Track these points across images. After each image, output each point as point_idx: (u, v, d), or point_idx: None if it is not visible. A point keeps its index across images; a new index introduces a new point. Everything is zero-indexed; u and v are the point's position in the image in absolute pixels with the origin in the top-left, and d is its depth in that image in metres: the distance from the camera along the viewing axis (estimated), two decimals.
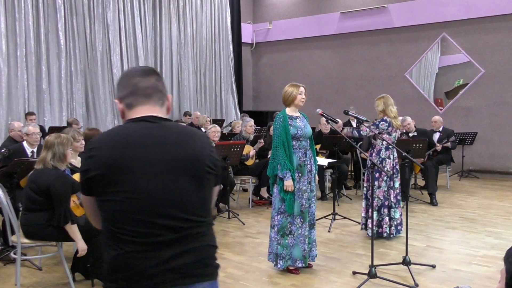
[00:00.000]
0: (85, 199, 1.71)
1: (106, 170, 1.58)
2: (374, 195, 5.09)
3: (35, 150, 5.44)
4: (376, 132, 5.14)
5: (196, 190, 1.65)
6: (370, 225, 5.30)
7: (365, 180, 5.47)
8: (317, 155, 4.55)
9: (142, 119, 1.68)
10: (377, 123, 5.27)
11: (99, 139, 1.68)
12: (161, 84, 1.76)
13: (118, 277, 1.59)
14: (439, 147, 7.70)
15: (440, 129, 8.07)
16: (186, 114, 10.41)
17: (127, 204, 1.57)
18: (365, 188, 5.40)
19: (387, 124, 5.23)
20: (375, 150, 5.35)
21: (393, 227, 5.28)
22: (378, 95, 5.46)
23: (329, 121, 4.59)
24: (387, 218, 5.26)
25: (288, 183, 4.15)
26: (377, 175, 5.23)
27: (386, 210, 5.26)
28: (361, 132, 5.33)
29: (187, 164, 1.64)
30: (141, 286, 1.58)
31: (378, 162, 5.20)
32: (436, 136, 8.00)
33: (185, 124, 1.47)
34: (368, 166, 4.38)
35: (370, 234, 5.29)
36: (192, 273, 1.61)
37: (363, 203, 5.40)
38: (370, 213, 5.27)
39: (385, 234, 5.26)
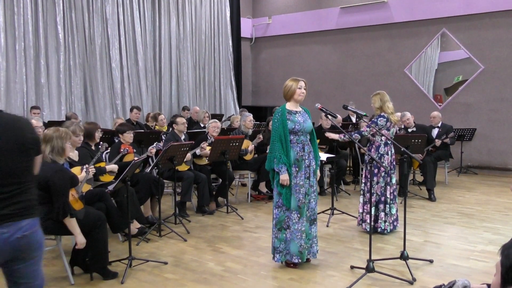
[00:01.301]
0: None
1: None
2: (372, 191, 5.10)
3: None
4: (376, 129, 5.15)
5: (23, 161, 2.44)
6: (367, 220, 5.32)
7: (363, 175, 5.48)
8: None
9: None
10: (375, 120, 5.28)
11: None
12: None
13: None
14: (438, 142, 7.70)
15: (439, 125, 8.07)
16: (185, 108, 10.37)
17: None
18: (363, 184, 5.41)
19: (385, 119, 5.24)
20: (374, 146, 5.35)
21: (387, 223, 5.30)
22: (378, 90, 5.46)
23: (328, 115, 4.59)
24: (382, 214, 5.28)
25: (284, 177, 4.16)
26: (375, 170, 5.25)
27: (382, 206, 5.28)
28: (362, 132, 5.33)
29: (16, 144, 2.40)
30: None
31: (377, 158, 5.20)
32: (435, 132, 8.00)
33: (11, 113, 2.18)
34: (367, 161, 4.38)
35: (367, 229, 5.32)
36: (20, 214, 2.40)
37: (361, 199, 5.41)
38: (367, 208, 5.30)
39: (379, 229, 5.29)
